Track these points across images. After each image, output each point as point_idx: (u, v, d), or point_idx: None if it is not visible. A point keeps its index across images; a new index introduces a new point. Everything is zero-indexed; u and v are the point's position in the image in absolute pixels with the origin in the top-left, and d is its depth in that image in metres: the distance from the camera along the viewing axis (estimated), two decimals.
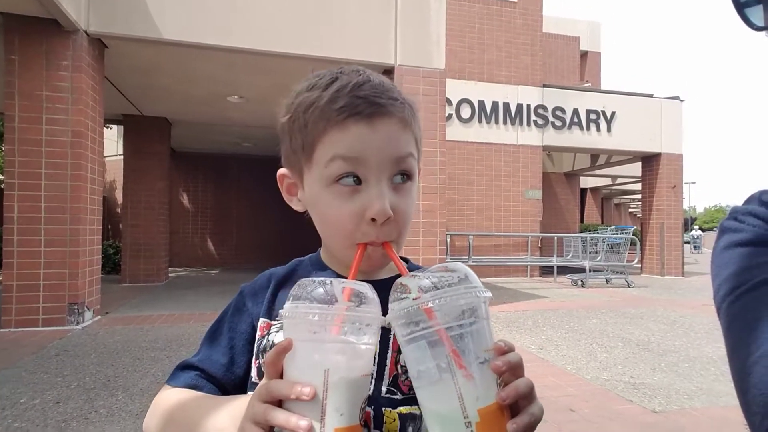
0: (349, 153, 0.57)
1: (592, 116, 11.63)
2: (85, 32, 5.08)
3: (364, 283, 0.48)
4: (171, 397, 0.62)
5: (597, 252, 10.06)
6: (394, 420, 0.56)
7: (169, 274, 10.05)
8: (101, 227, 5.71)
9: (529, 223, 11.26)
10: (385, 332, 0.56)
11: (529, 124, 11.23)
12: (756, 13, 0.54)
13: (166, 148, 9.28)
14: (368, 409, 0.55)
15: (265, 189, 10.82)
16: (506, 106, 11.07)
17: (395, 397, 0.57)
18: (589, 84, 18.71)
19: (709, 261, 0.55)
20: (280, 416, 0.43)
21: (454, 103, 10.57)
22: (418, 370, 0.46)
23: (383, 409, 0.56)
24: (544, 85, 11.56)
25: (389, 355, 0.59)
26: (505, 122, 11.08)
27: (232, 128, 9.79)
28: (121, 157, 9.79)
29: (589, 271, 9.82)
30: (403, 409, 0.56)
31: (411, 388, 0.54)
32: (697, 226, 35.59)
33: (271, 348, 0.54)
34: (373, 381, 0.56)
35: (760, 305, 0.45)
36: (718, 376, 3.70)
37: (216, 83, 6.88)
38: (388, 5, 5.94)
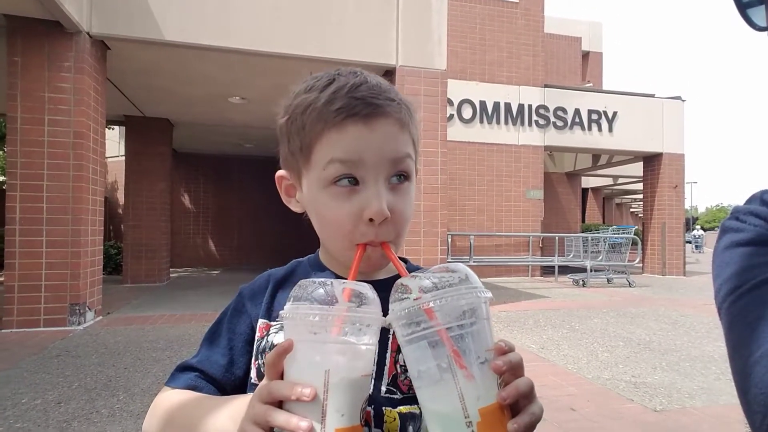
0: (346, 156, 0.57)
1: (594, 116, 11.62)
2: (88, 34, 5.09)
3: (365, 284, 0.48)
4: (171, 398, 0.62)
5: (598, 252, 10.06)
6: (395, 419, 0.56)
7: (171, 275, 10.06)
8: (103, 228, 5.72)
9: (530, 223, 11.25)
10: (384, 332, 0.56)
11: (530, 124, 11.22)
12: (758, 14, 0.54)
13: (167, 149, 9.30)
14: (368, 408, 0.55)
15: (267, 190, 10.77)
16: (508, 106, 11.06)
17: (395, 396, 0.57)
18: (591, 84, 18.70)
19: (710, 261, 0.55)
20: (280, 417, 0.43)
21: (456, 103, 10.56)
22: (419, 370, 0.45)
23: (383, 408, 0.56)
24: (546, 86, 11.54)
25: (388, 354, 0.59)
26: (506, 122, 11.07)
27: (234, 129, 9.80)
28: (123, 157, 9.80)
29: (591, 270, 9.81)
30: (403, 409, 0.56)
31: (410, 387, 0.54)
32: (698, 226, 35.51)
33: (270, 349, 0.54)
34: (373, 381, 0.56)
35: (761, 305, 0.45)
36: (718, 375, 3.69)
37: (217, 84, 6.89)
38: (390, 6, 5.94)
